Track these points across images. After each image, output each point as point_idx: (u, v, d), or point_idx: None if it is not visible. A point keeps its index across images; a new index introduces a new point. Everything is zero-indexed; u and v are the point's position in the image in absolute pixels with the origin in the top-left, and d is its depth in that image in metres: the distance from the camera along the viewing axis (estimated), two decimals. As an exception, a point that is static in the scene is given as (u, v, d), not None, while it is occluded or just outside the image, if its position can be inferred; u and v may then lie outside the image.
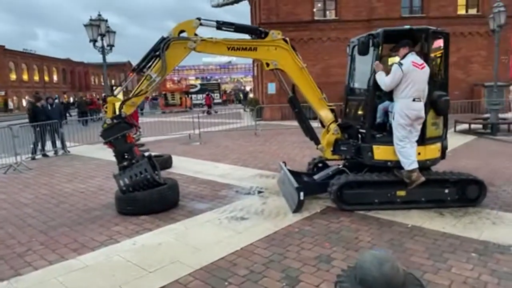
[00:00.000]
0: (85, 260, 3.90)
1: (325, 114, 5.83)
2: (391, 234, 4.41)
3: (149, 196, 5.24)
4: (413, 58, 4.97)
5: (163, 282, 3.41)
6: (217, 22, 5.49)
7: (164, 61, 5.22)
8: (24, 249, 4.29)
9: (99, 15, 11.83)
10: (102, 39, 12.00)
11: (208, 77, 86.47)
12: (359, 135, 5.62)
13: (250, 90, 46.41)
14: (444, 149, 5.60)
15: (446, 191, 5.25)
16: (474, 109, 16.14)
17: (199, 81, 62.70)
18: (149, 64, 5.35)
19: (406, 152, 5.01)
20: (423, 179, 5.02)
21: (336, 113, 5.90)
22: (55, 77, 64.31)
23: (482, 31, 18.95)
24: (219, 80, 67.96)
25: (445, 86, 5.56)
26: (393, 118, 5.10)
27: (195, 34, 5.40)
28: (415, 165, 4.99)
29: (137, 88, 5.47)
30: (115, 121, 5.38)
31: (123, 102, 5.46)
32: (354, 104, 6.02)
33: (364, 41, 5.29)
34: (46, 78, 61.34)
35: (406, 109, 4.93)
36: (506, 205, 5.29)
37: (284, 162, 6.62)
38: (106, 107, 5.54)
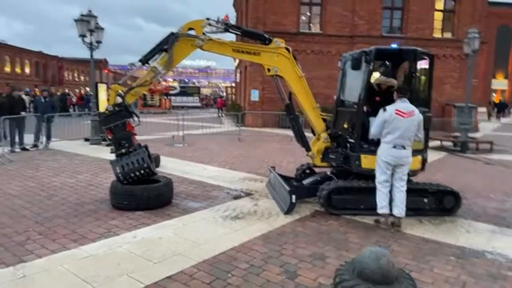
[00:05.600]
0: (88, 250, 4.00)
1: (318, 123, 6.16)
2: (377, 237, 4.75)
3: (146, 192, 5.35)
4: (399, 106, 4.98)
5: (169, 272, 3.57)
6: (226, 24, 5.75)
7: (171, 56, 5.44)
8: (22, 238, 4.31)
9: (90, 11, 11.78)
10: (91, 35, 11.93)
11: (186, 80, 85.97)
12: (348, 144, 5.98)
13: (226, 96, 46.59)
14: (424, 161, 6.04)
15: (425, 200, 5.67)
16: (445, 127, 17.06)
17: (176, 83, 62.31)
18: (155, 57, 5.55)
19: (379, 195, 5.06)
20: (385, 226, 5.03)
21: (327, 123, 6.24)
22: (27, 70, 62.00)
23: (455, 54, 20.12)
24: (196, 83, 67.75)
25: (428, 103, 6.03)
26: None
27: (203, 33, 5.64)
28: (384, 211, 5.00)
29: (142, 79, 5.64)
30: (116, 108, 5.49)
31: (127, 91, 5.59)
32: (343, 115, 6.37)
33: (358, 57, 5.67)
34: (18, 70, 59.02)
35: (384, 155, 5.00)
36: (477, 216, 5.77)
37: (273, 167, 6.90)
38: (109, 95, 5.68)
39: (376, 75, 6.18)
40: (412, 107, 5.06)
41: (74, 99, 31.60)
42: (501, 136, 14.81)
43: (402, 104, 5.02)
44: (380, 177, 5.09)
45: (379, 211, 5.08)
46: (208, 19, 5.67)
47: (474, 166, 10.29)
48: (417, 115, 5.02)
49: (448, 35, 21.19)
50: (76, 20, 11.49)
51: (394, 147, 4.96)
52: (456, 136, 13.73)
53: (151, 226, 4.81)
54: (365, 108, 5.71)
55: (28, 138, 10.96)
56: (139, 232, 4.56)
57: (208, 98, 49.20)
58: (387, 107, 5.03)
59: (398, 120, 4.92)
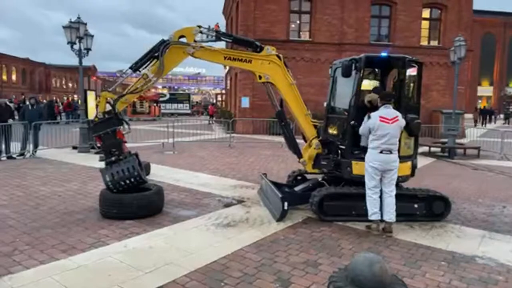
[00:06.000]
0: (78, 261, 3.91)
1: (309, 129, 6.19)
2: (369, 243, 4.76)
3: (136, 200, 5.28)
4: (382, 112, 5.06)
5: (160, 282, 3.52)
6: (217, 32, 5.77)
7: (162, 63, 5.42)
8: (10, 248, 4.21)
9: (79, 17, 11.68)
10: (80, 42, 11.82)
11: (176, 87, 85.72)
12: (339, 151, 6.01)
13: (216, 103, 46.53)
14: (414, 167, 6.10)
15: (416, 206, 5.72)
16: (433, 133, 17.29)
17: (166, 90, 62.10)
18: (146, 64, 5.52)
19: (369, 201, 5.10)
20: (377, 232, 5.06)
21: (318, 129, 6.27)
22: (13, 77, 61.15)
23: (442, 61, 20.49)
24: (186, 91, 67.66)
25: (417, 110, 6.10)
26: None
27: (195, 41, 5.64)
28: (375, 217, 5.07)
29: (133, 86, 5.60)
30: (106, 116, 5.43)
31: (117, 98, 5.54)
32: (334, 122, 6.40)
33: (348, 64, 5.72)
34: (4, 78, 58.19)
35: (372, 161, 5.06)
36: (467, 220, 5.83)
37: (265, 174, 6.89)
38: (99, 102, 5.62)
39: (365, 83, 6.24)
40: (396, 113, 5.16)
41: (61, 107, 31.19)
42: (487, 142, 15.05)
43: (386, 111, 5.11)
44: (369, 183, 5.14)
45: (370, 217, 5.11)
46: (199, 26, 5.68)
47: (462, 172, 10.43)
48: (401, 120, 5.13)
49: (434, 43, 21.62)
50: (64, 27, 11.38)
51: (381, 152, 5.04)
52: (444, 142, 13.92)
53: (142, 235, 4.74)
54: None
55: (15, 147, 10.77)
56: (129, 242, 4.49)
57: (198, 105, 49.08)
58: (371, 114, 5.12)
59: (383, 127, 5.00)
